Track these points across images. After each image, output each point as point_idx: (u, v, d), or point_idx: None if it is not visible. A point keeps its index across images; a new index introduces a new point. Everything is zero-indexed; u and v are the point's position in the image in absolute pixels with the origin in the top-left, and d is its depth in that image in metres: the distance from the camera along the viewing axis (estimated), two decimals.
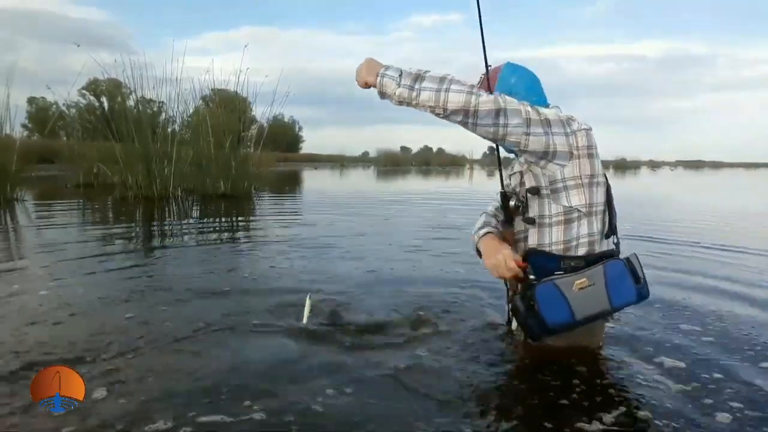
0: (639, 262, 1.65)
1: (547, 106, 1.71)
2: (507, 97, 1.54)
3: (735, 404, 1.41)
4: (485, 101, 1.48)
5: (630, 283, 1.58)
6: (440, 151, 44.39)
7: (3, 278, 2.78)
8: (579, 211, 1.60)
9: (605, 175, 1.70)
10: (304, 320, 1.95)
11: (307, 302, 1.98)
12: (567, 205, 1.60)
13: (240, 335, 1.93)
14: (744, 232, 5.18)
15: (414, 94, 1.51)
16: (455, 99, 1.48)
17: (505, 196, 1.69)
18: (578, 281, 1.54)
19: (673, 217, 6.29)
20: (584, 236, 1.62)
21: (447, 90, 1.48)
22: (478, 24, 1.63)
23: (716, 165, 75.07)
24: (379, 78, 1.55)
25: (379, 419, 1.34)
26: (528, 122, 1.51)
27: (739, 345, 1.85)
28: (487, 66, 1.71)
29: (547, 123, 1.54)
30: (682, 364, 1.66)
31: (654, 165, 56.73)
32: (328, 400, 1.41)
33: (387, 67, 1.56)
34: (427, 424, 1.31)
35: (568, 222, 1.61)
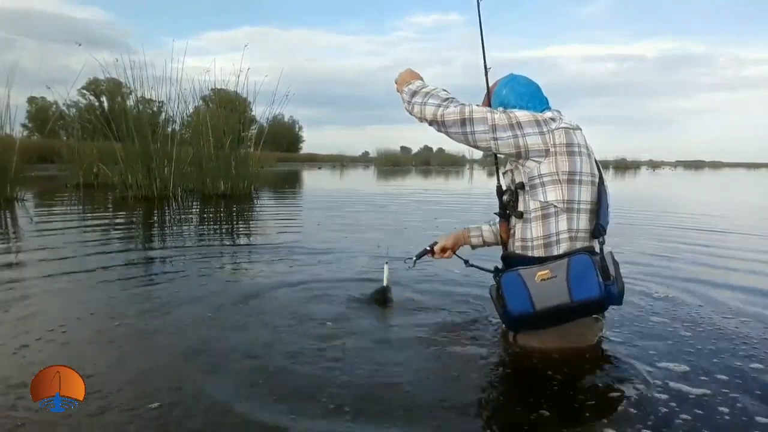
0: (614, 260, 1.67)
1: (545, 110, 1.78)
2: (475, 107, 1.70)
3: (736, 411, 1.39)
4: (450, 112, 1.70)
5: (594, 279, 1.57)
6: (440, 150, 44.32)
7: (2, 278, 2.78)
8: (555, 206, 1.65)
9: (598, 176, 1.71)
10: (385, 283, 2.29)
11: (386, 268, 2.30)
12: (543, 200, 1.67)
13: (236, 335, 1.93)
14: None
15: (410, 107, 1.80)
16: (429, 111, 1.74)
17: (500, 191, 1.81)
18: (541, 272, 1.59)
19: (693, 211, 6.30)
20: (564, 232, 1.65)
21: (425, 104, 1.75)
22: (479, 27, 1.82)
23: (716, 165, 75.04)
24: (401, 94, 1.85)
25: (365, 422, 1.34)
26: (494, 128, 1.66)
27: (749, 347, 1.82)
28: (486, 71, 1.85)
29: (518, 125, 1.65)
30: (685, 367, 1.63)
31: (654, 165, 56.69)
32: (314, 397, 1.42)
33: (409, 83, 1.83)
34: (409, 423, 1.31)
35: (545, 217, 1.67)
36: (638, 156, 48.59)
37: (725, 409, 1.37)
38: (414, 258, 2.13)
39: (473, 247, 2.12)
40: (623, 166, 37.92)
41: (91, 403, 1.35)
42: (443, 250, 2.08)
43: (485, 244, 2.08)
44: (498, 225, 1.98)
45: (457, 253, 2.11)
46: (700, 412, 1.35)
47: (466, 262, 2.05)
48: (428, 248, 2.10)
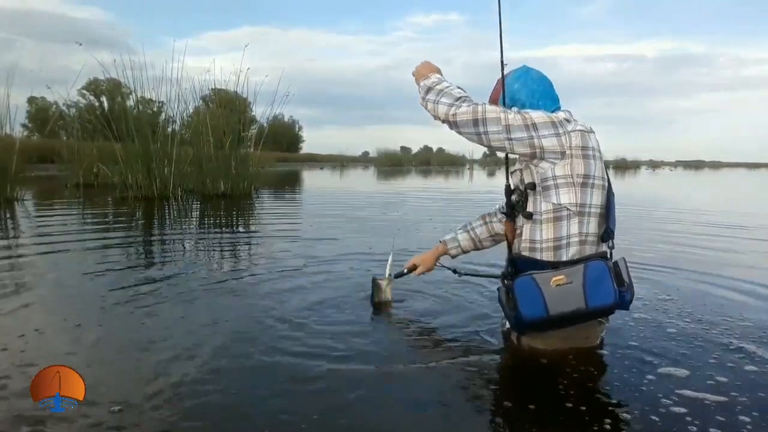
0: (626, 266, 1.67)
1: (557, 109, 1.75)
2: (488, 107, 1.66)
3: (736, 415, 1.39)
4: (463, 112, 1.66)
5: (609, 285, 1.57)
6: (440, 150, 44.34)
7: (2, 278, 2.78)
8: (568, 209, 1.63)
9: (607, 180, 1.71)
10: (386, 273, 2.26)
11: (390, 258, 2.28)
12: (556, 202, 1.64)
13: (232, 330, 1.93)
14: None
15: (425, 103, 1.76)
16: (442, 110, 1.70)
17: (508, 190, 1.77)
18: (556, 277, 1.57)
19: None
20: (575, 236, 1.64)
21: (438, 102, 1.71)
22: (498, 21, 1.76)
23: (716, 165, 75.12)
24: (418, 87, 1.80)
25: (363, 419, 1.34)
26: (508, 129, 1.62)
27: (754, 350, 1.79)
28: (503, 65, 1.79)
29: (533, 127, 1.61)
30: (685, 371, 1.61)
31: (654, 165, 56.63)
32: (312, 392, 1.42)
33: (426, 77, 1.78)
34: (412, 425, 1.31)
35: (557, 220, 1.65)
36: (638, 156, 48.57)
37: (726, 414, 1.36)
38: (392, 275, 2.24)
39: (453, 256, 2.16)
40: (623, 166, 37.88)
41: (88, 402, 1.35)
42: (413, 268, 2.17)
43: (464, 252, 2.12)
44: (476, 229, 2.05)
45: (444, 264, 2.18)
46: (700, 415, 1.35)
47: (455, 271, 2.13)
48: (405, 270, 2.20)
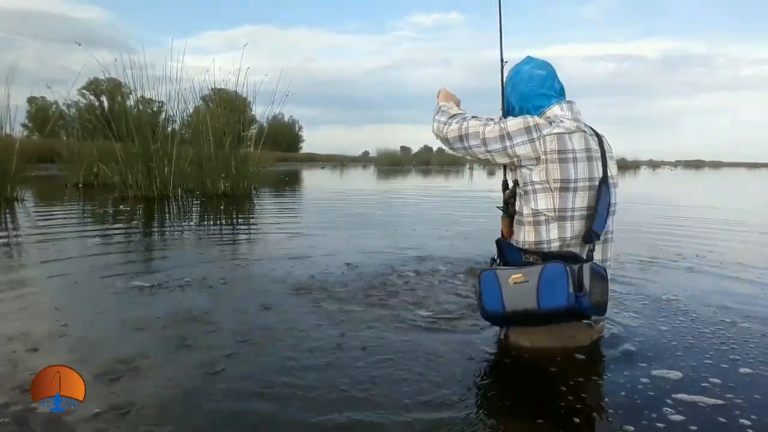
0: (598, 271, 1.57)
1: (550, 105, 1.72)
2: (471, 121, 1.77)
3: (730, 417, 1.39)
4: (452, 130, 1.81)
5: (564, 288, 1.51)
6: (440, 150, 44.26)
7: (2, 278, 2.78)
8: (546, 215, 1.65)
9: (601, 178, 1.66)
10: None
11: None
12: (534, 207, 1.67)
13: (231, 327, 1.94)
14: None
15: (432, 122, 1.92)
16: (438, 128, 1.86)
17: (505, 186, 1.82)
18: (515, 275, 1.60)
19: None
20: (555, 240, 1.66)
21: (438, 121, 1.87)
22: (498, 24, 1.85)
23: (716, 165, 75.18)
24: (436, 105, 1.95)
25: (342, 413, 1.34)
26: (485, 142, 1.72)
27: (748, 353, 1.78)
28: (502, 64, 1.87)
29: (507, 136, 1.68)
30: (678, 374, 1.60)
31: (654, 165, 56.63)
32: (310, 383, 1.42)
33: (447, 101, 1.96)
34: (397, 423, 1.31)
35: (536, 224, 1.68)
36: (638, 156, 48.59)
37: (721, 417, 1.36)
38: None
39: None
40: (623, 166, 37.81)
41: (89, 402, 1.35)
42: None
43: None
44: None
45: None
46: (698, 419, 1.35)
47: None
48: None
